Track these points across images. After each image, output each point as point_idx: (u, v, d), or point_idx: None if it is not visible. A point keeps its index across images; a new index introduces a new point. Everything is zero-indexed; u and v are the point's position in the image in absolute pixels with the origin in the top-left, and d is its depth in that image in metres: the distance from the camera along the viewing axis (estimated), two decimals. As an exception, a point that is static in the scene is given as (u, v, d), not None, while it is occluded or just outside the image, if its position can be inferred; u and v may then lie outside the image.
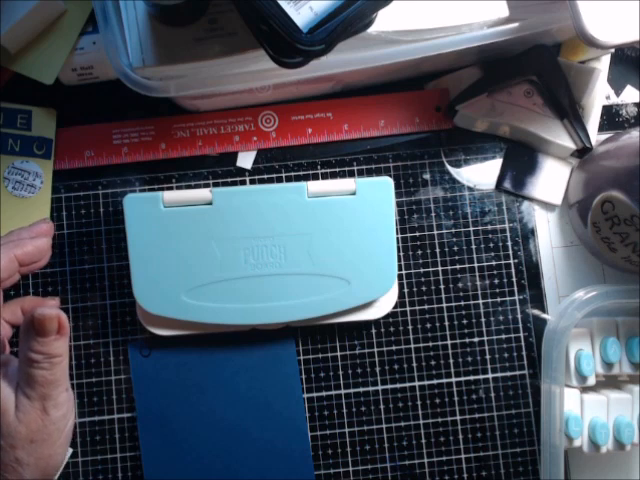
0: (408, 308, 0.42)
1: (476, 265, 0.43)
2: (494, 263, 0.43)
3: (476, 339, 0.42)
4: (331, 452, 0.41)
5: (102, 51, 0.40)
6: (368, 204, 0.39)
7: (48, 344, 0.31)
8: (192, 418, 0.41)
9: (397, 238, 0.43)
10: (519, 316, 0.43)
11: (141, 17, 0.35)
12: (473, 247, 0.43)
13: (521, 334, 0.43)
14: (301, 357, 0.42)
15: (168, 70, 0.36)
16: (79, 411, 0.41)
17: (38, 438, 0.32)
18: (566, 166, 0.44)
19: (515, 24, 0.37)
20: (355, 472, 0.41)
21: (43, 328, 0.31)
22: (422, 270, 0.43)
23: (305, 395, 0.42)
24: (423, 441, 0.42)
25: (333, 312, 0.40)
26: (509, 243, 0.43)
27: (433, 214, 0.43)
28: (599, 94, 0.44)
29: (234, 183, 0.43)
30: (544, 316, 0.43)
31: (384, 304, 0.41)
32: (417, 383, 0.42)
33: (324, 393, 0.42)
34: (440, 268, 0.43)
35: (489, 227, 0.44)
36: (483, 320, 0.43)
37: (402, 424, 0.42)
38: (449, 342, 0.42)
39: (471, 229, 0.43)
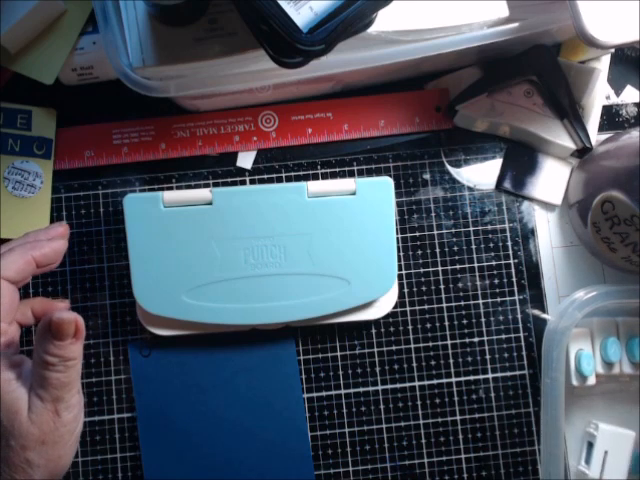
0: (408, 308, 0.42)
1: (476, 265, 0.43)
2: (494, 263, 0.43)
3: (476, 339, 0.42)
4: (331, 452, 0.41)
5: (102, 51, 0.40)
6: (368, 204, 0.39)
7: (64, 347, 0.31)
8: (192, 418, 0.41)
9: (397, 238, 0.43)
10: (519, 316, 0.43)
11: (141, 17, 0.35)
12: (473, 247, 0.43)
13: (521, 334, 0.43)
14: (301, 357, 0.42)
15: (168, 70, 0.36)
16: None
17: (49, 440, 0.32)
18: (566, 166, 0.44)
19: (515, 24, 0.37)
20: (355, 472, 0.41)
21: (61, 332, 0.31)
22: (422, 270, 0.43)
23: (305, 395, 0.42)
24: (423, 441, 0.42)
25: (333, 312, 0.40)
26: (509, 243, 0.43)
27: (433, 214, 0.43)
28: (599, 94, 0.44)
29: (234, 183, 0.43)
30: (544, 316, 0.43)
31: (384, 304, 0.41)
32: (417, 383, 0.42)
33: (324, 393, 0.42)
34: (440, 268, 0.43)
35: (489, 227, 0.44)
36: (483, 320, 0.43)
37: (402, 424, 0.42)
38: (449, 342, 0.42)
39: (471, 229, 0.43)
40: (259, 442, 0.41)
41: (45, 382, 0.31)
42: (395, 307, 0.42)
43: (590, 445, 0.41)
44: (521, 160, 0.44)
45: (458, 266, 0.43)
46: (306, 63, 0.32)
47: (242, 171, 0.43)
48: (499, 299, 0.43)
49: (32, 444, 0.31)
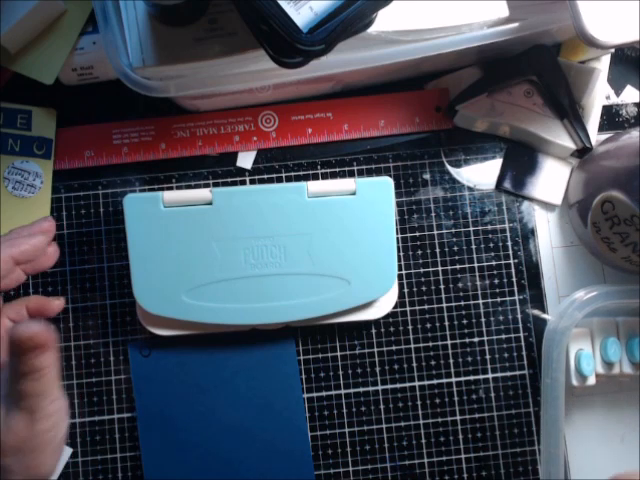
0: (408, 308, 0.42)
1: (476, 265, 0.43)
2: (494, 263, 0.43)
3: (476, 339, 0.42)
4: (331, 452, 0.41)
5: (102, 51, 0.40)
6: (368, 204, 0.39)
7: (34, 358, 0.30)
8: (192, 418, 0.41)
9: (397, 238, 0.43)
10: (519, 316, 0.43)
11: (141, 17, 0.35)
12: (473, 247, 0.43)
13: (521, 334, 0.43)
14: (301, 357, 0.42)
15: (168, 70, 0.36)
16: (79, 411, 0.41)
17: (26, 448, 0.31)
18: (566, 166, 0.44)
19: (515, 24, 0.37)
20: (355, 472, 0.41)
21: (28, 344, 0.30)
22: (422, 270, 0.43)
23: (305, 395, 0.42)
24: (423, 441, 0.42)
25: (333, 312, 0.40)
26: (509, 243, 0.43)
27: (433, 214, 0.43)
28: (599, 94, 0.44)
29: (234, 183, 0.43)
30: (544, 316, 0.43)
31: (384, 304, 0.41)
32: (417, 383, 0.42)
33: (324, 393, 0.42)
34: (440, 268, 0.43)
35: (489, 227, 0.44)
36: (483, 320, 0.43)
37: (402, 424, 0.42)
38: (449, 342, 0.42)
39: (471, 229, 0.43)
40: (259, 442, 0.41)
41: (18, 393, 0.30)
42: (395, 307, 0.42)
43: None
44: (521, 160, 0.44)
45: (458, 266, 0.43)
46: (306, 63, 0.32)
47: (242, 171, 0.43)
48: (499, 299, 0.43)
49: (9, 451, 0.30)
